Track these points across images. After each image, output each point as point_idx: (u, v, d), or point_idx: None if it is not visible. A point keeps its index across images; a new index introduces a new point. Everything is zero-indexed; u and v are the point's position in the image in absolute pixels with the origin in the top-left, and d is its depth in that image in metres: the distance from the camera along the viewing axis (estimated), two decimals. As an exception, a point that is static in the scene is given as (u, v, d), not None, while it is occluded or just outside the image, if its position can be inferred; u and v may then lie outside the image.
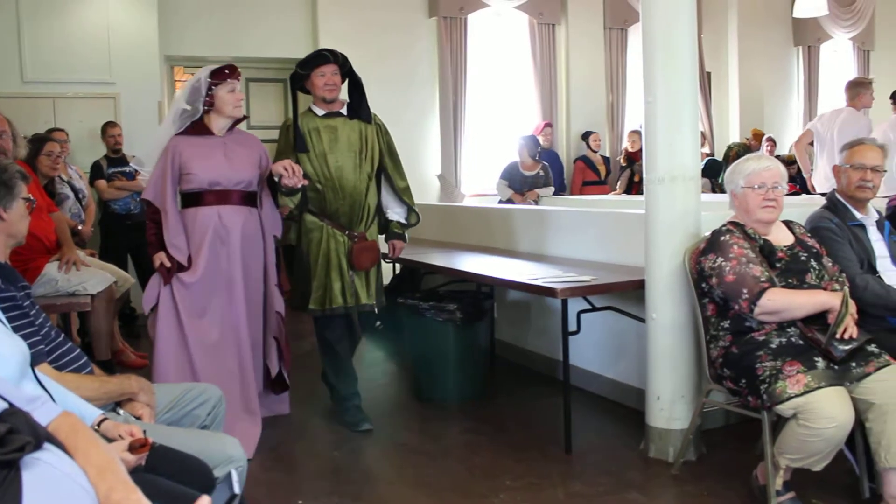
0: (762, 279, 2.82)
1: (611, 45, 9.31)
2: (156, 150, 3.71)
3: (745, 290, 2.82)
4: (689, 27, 3.41)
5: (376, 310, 4.05)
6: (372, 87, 4.18)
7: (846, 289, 2.92)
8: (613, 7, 9.07)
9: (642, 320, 3.57)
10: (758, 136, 9.29)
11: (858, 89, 6.70)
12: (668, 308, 3.37)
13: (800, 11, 9.10)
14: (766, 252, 2.96)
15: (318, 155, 3.91)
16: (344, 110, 4.01)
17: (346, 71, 4.00)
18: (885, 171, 3.34)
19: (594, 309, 3.91)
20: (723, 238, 2.97)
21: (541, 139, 8.25)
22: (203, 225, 3.60)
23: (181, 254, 3.59)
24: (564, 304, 3.56)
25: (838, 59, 10.99)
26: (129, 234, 6.34)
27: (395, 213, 4.17)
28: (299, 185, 3.61)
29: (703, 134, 9.44)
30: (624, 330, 4.15)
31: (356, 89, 4.01)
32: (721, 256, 2.92)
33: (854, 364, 2.75)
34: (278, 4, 7.73)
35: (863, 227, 3.28)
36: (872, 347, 2.81)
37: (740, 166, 3.10)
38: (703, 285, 3.05)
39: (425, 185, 8.12)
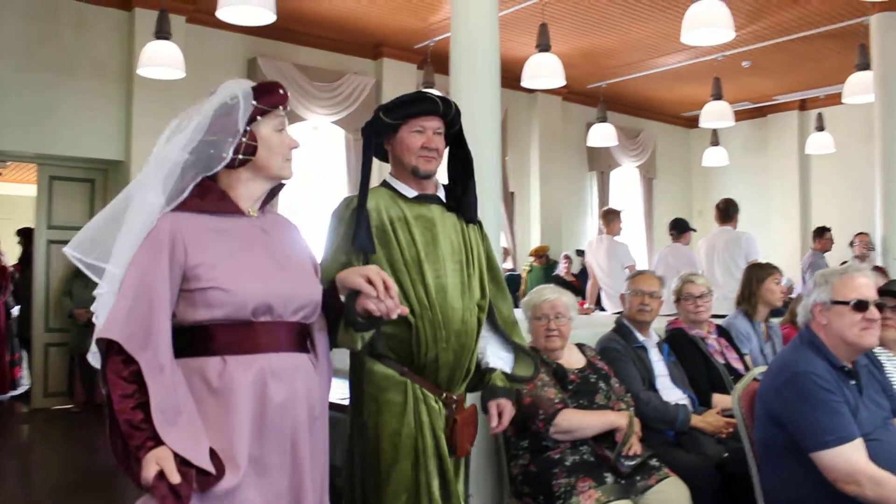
0: (556, 401, 3.05)
1: (422, 163, 9.75)
2: (126, 243, 1.87)
3: (541, 412, 3.03)
4: (495, 157, 3.70)
5: None
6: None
7: (632, 409, 3.21)
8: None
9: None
10: (537, 251, 9.92)
11: (611, 217, 7.59)
12: (473, 426, 3.51)
13: (592, 141, 9.99)
14: (559, 375, 3.20)
15: (410, 263, 2.36)
16: (441, 194, 2.52)
17: (453, 134, 2.52)
18: (661, 297, 3.73)
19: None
20: (520, 364, 3.19)
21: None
22: (240, 395, 1.81)
23: (196, 449, 1.73)
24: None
25: (627, 184, 12.05)
26: None
27: (499, 358, 2.59)
28: (394, 315, 1.97)
29: (506, 250, 9.99)
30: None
31: (464, 166, 2.55)
32: (518, 381, 3.13)
33: (639, 478, 3.01)
34: (90, 102, 7.44)
35: (645, 348, 3.62)
36: (654, 461, 3.09)
37: (527, 300, 3.38)
38: (504, 407, 3.24)
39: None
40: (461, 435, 2.38)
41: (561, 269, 9.52)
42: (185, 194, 1.89)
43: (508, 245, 10.15)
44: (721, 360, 3.87)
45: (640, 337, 3.64)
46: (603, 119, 9.81)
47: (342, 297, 2.02)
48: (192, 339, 1.85)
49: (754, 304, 4.36)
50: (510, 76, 6.99)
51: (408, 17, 8.10)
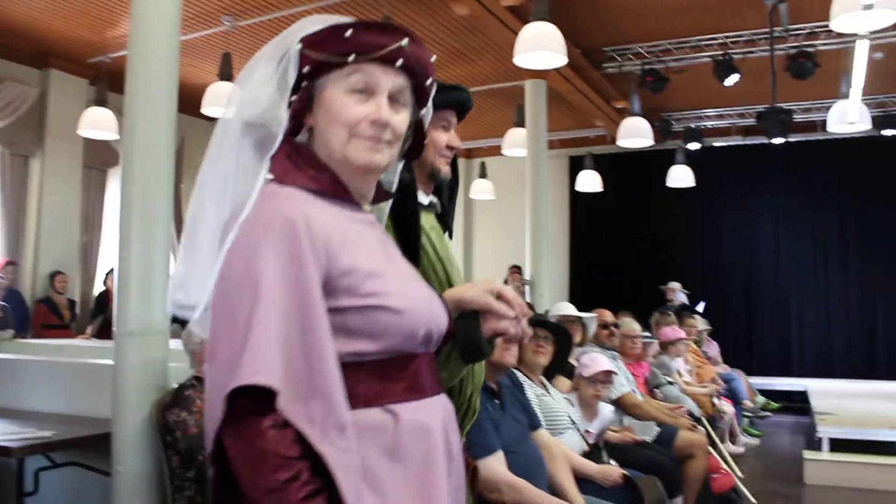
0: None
1: (89, 185, 9.14)
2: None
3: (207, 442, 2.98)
4: (167, 183, 3.61)
5: None
6: None
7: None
8: (94, 147, 8.97)
9: (108, 474, 3.49)
10: None
11: None
12: (135, 460, 3.36)
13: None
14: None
15: (443, 282, 1.91)
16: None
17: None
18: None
19: (55, 465, 3.71)
20: (187, 392, 3.13)
21: (-2, 277, 7.65)
22: (438, 462, 1.30)
23: None
24: (21, 462, 3.33)
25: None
26: None
27: None
28: (527, 339, 1.68)
29: (180, 280, 9.64)
30: (89, 485, 3.98)
31: (454, 171, 2.09)
32: (185, 411, 3.07)
33: None
34: None
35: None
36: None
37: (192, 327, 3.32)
38: (169, 438, 3.14)
39: None
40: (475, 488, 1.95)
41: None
42: (276, 147, 1.30)
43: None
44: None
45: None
46: (284, 153, 9.88)
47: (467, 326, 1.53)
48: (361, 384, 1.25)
49: None
50: (190, 102, 6.84)
51: (81, 29, 7.60)
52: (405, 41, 1.33)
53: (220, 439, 1.14)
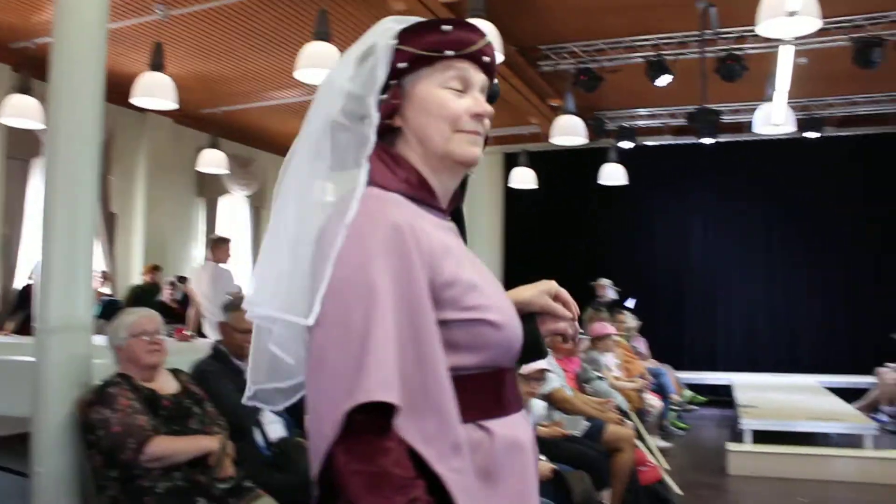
0: (147, 428, 2.97)
1: (10, 176, 8.84)
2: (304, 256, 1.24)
3: (131, 440, 2.93)
4: (93, 175, 3.51)
5: None
6: None
7: (225, 433, 3.23)
8: (16, 136, 8.66)
9: (26, 475, 3.39)
10: (149, 270, 9.51)
11: (218, 244, 7.69)
12: (56, 461, 3.28)
13: (202, 166, 9.86)
14: (151, 401, 3.12)
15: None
16: None
17: None
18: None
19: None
20: (110, 390, 3.06)
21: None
22: (530, 482, 1.29)
23: None
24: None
25: (235, 212, 12.03)
26: None
27: None
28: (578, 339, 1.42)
29: (105, 274, 9.42)
30: (5, 487, 3.87)
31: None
32: (108, 408, 3.00)
33: (232, 500, 3.04)
34: None
35: (241, 371, 3.67)
36: (247, 483, 3.14)
37: (121, 321, 3.27)
38: (91, 437, 3.07)
39: None
40: None
41: (165, 295, 9.20)
42: (370, 147, 1.25)
43: (108, 270, 9.57)
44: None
45: (236, 362, 3.70)
46: (215, 145, 9.74)
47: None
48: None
49: None
50: (119, 92, 6.66)
51: (4, 12, 7.30)
52: (488, 39, 1.34)
53: (330, 456, 1.09)
